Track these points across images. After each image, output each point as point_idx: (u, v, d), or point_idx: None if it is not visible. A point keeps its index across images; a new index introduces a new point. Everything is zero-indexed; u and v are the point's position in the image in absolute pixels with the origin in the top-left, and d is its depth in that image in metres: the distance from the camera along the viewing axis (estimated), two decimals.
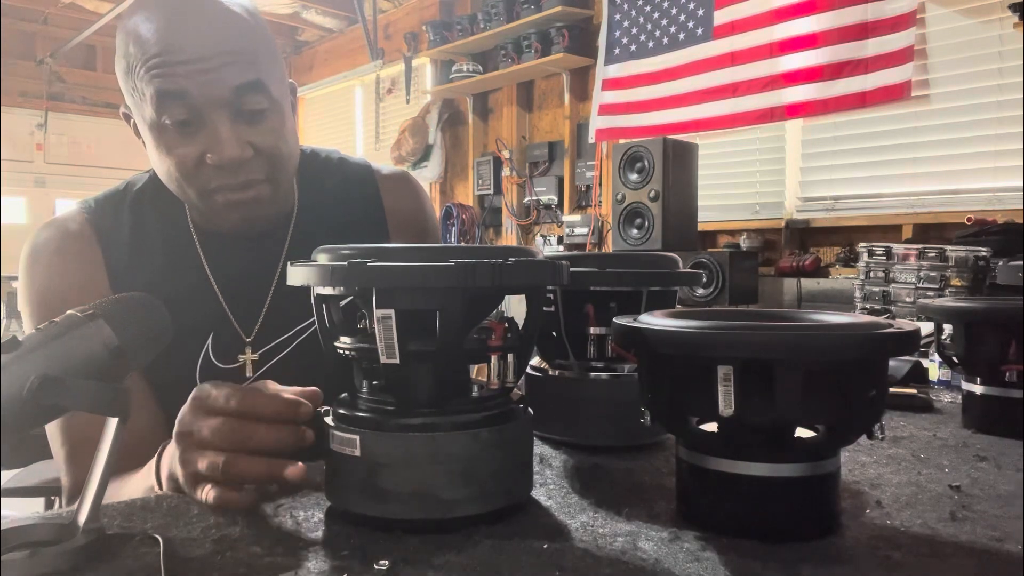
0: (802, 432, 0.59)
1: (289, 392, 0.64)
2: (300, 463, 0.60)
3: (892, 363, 1.15)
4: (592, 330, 0.81)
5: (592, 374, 0.81)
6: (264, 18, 0.93)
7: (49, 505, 1.91)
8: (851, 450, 0.81)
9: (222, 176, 0.87)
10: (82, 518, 0.53)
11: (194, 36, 0.83)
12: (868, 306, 2.62)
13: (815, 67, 3.26)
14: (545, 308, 0.78)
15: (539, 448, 0.80)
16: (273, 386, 0.65)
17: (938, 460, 0.79)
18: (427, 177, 5.22)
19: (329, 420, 0.61)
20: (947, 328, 0.98)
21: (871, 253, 2.67)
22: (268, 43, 0.91)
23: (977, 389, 0.93)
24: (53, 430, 0.92)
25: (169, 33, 0.82)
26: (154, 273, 0.95)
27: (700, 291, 3.16)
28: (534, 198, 4.67)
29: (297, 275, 0.59)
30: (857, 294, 2.69)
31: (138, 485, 0.76)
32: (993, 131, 2.94)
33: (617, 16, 4.07)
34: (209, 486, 0.61)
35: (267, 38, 0.91)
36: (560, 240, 4.47)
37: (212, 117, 0.84)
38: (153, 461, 0.74)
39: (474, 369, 0.69)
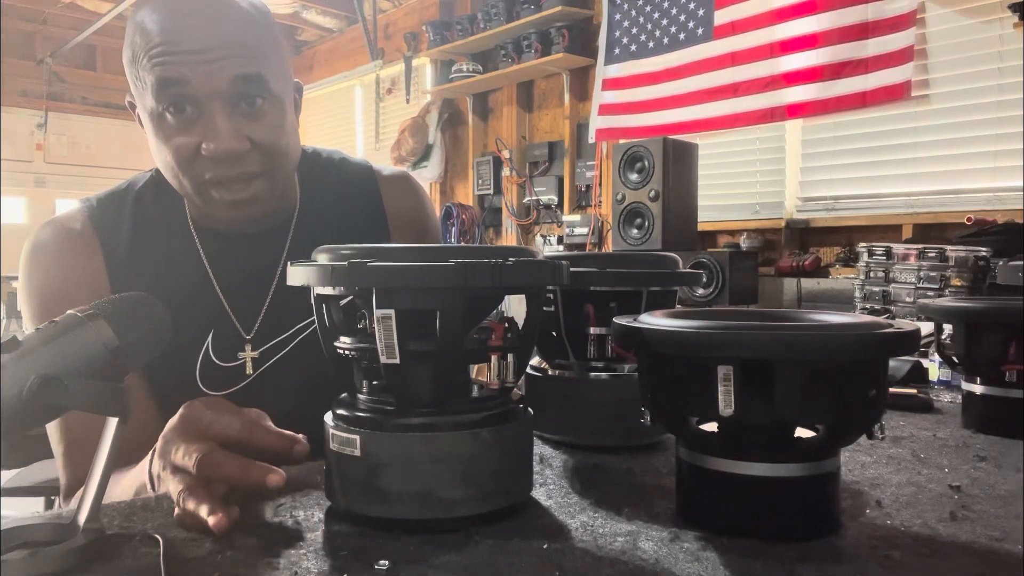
0: (802, 432, 0.59)
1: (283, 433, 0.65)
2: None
3: (892, 363, 1.15)
4: (592, 330, 0.81)
5: (592, 374, 0.81)
6: (272, 16, 0.93)
7: (49, 505, 1.91)
8: (851, 450, 0.81)
9: (218, 167, 0.87)
10: (82, 518, 0.53)
11: (197, 28, 0.84)
12: (868, 306, 2.62)
13: (815, 67, 3.25)
14: (545, 308, 0.78)
15: (539, 448, 0.80)
16: (267, 420, 0.66)
17: (938, 460, 0.79)
18: (427, 177, 5.22)
19: (329, 420, 0.61)
20: (947, 328, 0.98)
21: (871, 253, 2.67)
22: (273, 39, 0.91)
23: (977, 389, 0.93)
24: (52, 428, 0.92)
25: (174, 24, 0.84)
26: (155, 271, 0.95)
27: (700, 291, 3.16)
28: (534, 198, 4.67)
29: (297, 275, 0.59)
30: (857, 294, 2.69)
31: (130, 483, 0.76)
32: (993, 131, 2.94)
33: (617, 16, 4.06)
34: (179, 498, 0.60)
35: (272, 35, 0.91)
36: (560, 240, 4.47)
37: (210, 107, 0.85)
38: (147, 459, 0.74)
39: (474, 369, 0.69)
